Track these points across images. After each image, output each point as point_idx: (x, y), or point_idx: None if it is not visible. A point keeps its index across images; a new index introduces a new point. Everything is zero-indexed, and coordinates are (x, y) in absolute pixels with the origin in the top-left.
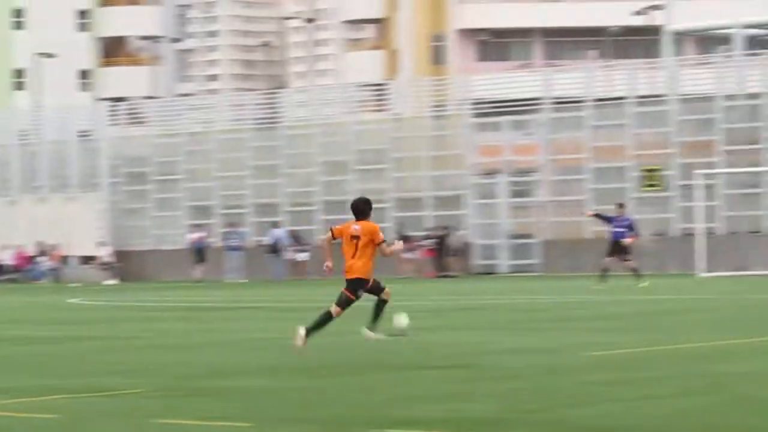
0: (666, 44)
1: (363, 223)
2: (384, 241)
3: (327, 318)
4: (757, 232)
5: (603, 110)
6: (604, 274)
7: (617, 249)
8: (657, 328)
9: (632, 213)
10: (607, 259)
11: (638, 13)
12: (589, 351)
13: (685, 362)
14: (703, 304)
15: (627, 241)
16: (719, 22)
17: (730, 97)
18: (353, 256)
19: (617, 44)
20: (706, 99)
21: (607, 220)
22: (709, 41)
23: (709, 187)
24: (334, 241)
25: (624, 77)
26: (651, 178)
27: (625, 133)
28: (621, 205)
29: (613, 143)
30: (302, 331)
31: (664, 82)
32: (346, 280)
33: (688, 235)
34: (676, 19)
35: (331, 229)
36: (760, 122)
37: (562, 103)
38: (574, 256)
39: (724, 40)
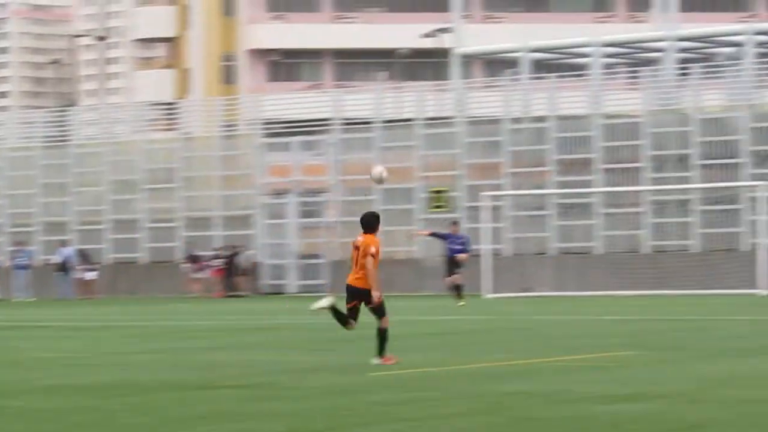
0: (454, 67)
1: (366, 236)
2: (372, 255)
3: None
4: (542, 253)
5: (392, 132)
6: (456, 291)
7: (453, 265)
8: (443, 348)
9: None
10: (448, 278)
11: (427, 35)
12: (378, 371)
13: (469, 382)
14: (489, 325)
15: (462, 257)
16: (506, 46)
17: (516, 120)
18: (355, 265)
19: (406, 66)
20: (493, 122)
21: (443, 237)
22: (496, 64)
23: (495, 208)
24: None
25: (413, 99)
26: (438, 199)
27: (413, 154)
28: (455, 223)
29: (402, 164)
30: (327, 302)
31: (452, 105)
32: (347, 285)
33: (475, 256)
34: (464, 42)
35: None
36: (546, 145)
37: (351, 124)
38: None
39: (511, 64)
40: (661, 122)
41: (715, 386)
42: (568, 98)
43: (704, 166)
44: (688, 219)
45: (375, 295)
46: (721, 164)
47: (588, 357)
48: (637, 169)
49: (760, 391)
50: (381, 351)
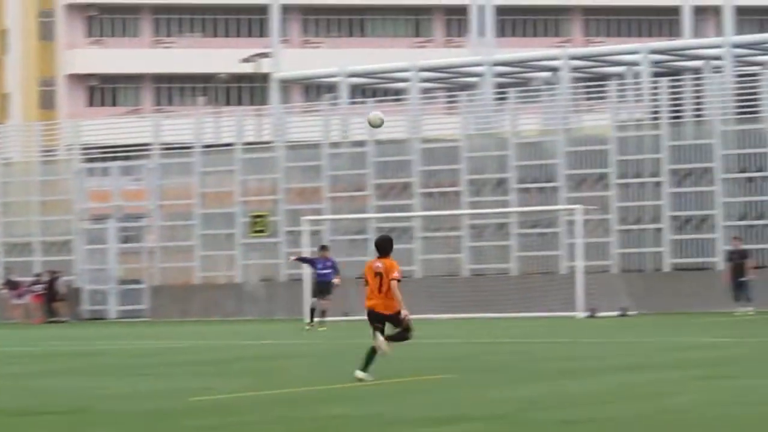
0: (273, 92)
1: (385, 260)
2: (398, 279)
3: (402, 337)
4: (361, 277)
5: (211, 156)
6: (321, 317)
7: (323, 290)
8: (263, 373)
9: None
10: (314, 300)
11: (246, 60)
12: (194, 396)
13: (289, 406)
14: (310, 349)
15: (335, 281)
16: (325, 71)
17: (335, 145)
18: (379, 291)
19: (226, 91)
20: (313, 146)
21: (311, 262)
22: (315, 89)
23: (315, 233)
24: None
25: (232, 124)
26: (258, 224)
27: (233, 179)
28: (324, 248)
29: (222, 189)
30: (381, 338)
31: (271, 129)
32: (378, 312)
33: (296, 281)
34: (282, 67)
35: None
36: (365, 169)
37: (171, 148)
38: (183, 302)
39: (329, 88)
40: (479, 146)
41: (534, 408)
42: (386, 123)
43: (522, 189)
44: (507, 242)
45: (404, 313)
46: (539, 188)
47: (408, 380)
48: (455, 192)
49: (578, 411)
50: (366, 365)
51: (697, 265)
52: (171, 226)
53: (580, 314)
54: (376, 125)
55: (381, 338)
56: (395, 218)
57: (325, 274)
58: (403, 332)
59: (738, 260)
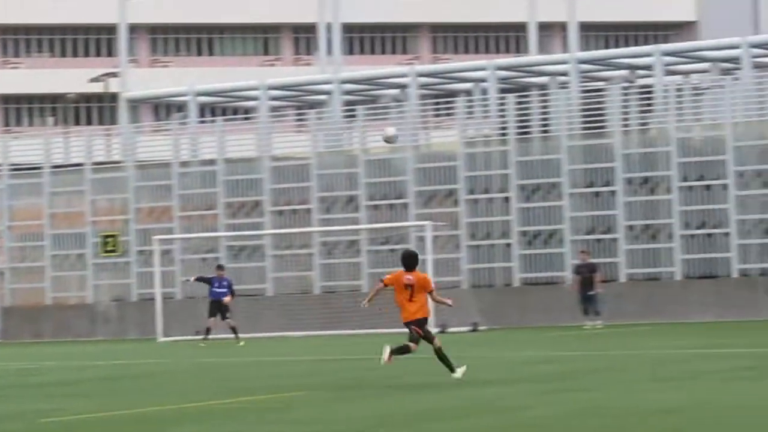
0: (122, 111)
1: (415, 274)
2: (433, 290)
3: (405, 350)
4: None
5: (61, 177)
6: (206, 335)
7: (218, 309)
8: (114, 393)
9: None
10: (211, 320)
11: (94, 80)
12: (45, 417)
13: (138, 427)
14: (161, 368)
15: (226, 299)
16: (173, 90)
17: (185, 164)
18: (409, 301)
19: (75, 111)
20: (162, 165)
21: (209, 281)
22: (164, 108)
23: (166, 252)
24: (384, 288)
25: (81, 144)
26: (109, 243)
27: (83, 199)
28: (220, 267)
29: (72, 209)
30: (387, 349)
31: (120, 149)
32: (407, 322)
33: (147, 300)
34: (131, 86)
35: (382, 280)
36: (215, 188)
37: (20, 169)
38: (35, 323)
39: (179, 108)
40: (328, 164)
41: (386, 424)
42: (236, 141)
43: (372, 206)
44: (358, 259)
45: (449, 301)
46: (389, 204)
47: (261, 398)
48: (306, 210)
49: (431, 426)
50: (450, 366)
51: (546, 279)
52: (21, 247)
53: (432, 330)
54: (391, 141)
55: (388, 350)
56: (246, 237)
57: (220, 293)
58: (405, 346)
59: (586, 274)
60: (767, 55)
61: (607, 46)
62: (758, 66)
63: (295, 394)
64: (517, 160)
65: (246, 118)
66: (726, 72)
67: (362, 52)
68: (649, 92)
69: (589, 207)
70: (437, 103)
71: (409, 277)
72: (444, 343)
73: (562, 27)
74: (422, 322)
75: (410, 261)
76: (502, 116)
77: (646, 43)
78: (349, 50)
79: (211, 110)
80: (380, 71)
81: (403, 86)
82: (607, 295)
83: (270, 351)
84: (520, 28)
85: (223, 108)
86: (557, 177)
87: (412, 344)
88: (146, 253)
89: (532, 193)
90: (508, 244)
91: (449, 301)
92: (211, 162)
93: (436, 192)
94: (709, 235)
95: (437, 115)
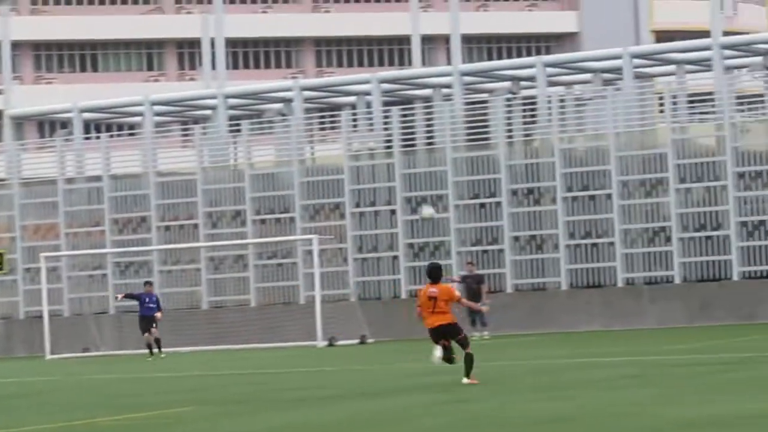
0: (6, 129)
1: (440, 286)
2: (460, 298)
3: (449, 361)
4: (103, 312)
5: None
6: (150, 350)
7: (150, 324)
8: (4, 411)
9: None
10: (146, 335)
11: None
12: None
13: None
14: (50, 386)
15: (158, 315)
16: (57, 107)
17: (70, 181)
18: (432, 312)
19: None
20: (48, 182)
21: (138, 298)
22: (49, 125)
23: (53, 269)
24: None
25: None
26: None
27: None
28: (148, 283)
29: None
30: (439, 351)
31: (5, 167)
32: (432, 329)
33: (35, 318)
34: (15, 103)
35: (419, 306)
36: (101, 204)
37: None
38: None
39: (63, 125)
40: (214, 179)
41: None
42: (121, 157)
43: (259, 221)
44: (245, 274)
45: (485, 308)
46: (275, 219)
47: (150, 414)
48: (193, 225)
49: None
50: (469, 372)
51: None
52: None
53: (321, 343)
54: (428, 217)
55: (438, 353)
56: (133, 253)
57: (150, 309)
58: (468, 356)
59: (473, 285)
60: (648, 65)
61: (490, 58)
62: (639, 76)
63: (184, 410)
64: (403, 173)
65: (131, 134)
66: (608, 82)
67: (246, 66)
68: (533, 103)
69: (475, 218)
70: (322, 117)
71: (433, 290)
72: (333, 356)
73: (446, 39)
74: (444, 330)
75: (436, 273)
76: (387, 129)
77: (528, 54)
78: (234, 65)
79: (95, 126)
80: (264, 85)
81: (287, 100)
82: (494, 306)
83: (159, 367)
84: (404, 41)
85: (107, 124)
86: (443, 189)
87: (450, 358)
88: (33, 271)
89: (418, 205)
90: (395, 257)
91: (484, 308)
92: (97, 178)
93: (323, 205)
94: (594, 244)
95: (322, 129)
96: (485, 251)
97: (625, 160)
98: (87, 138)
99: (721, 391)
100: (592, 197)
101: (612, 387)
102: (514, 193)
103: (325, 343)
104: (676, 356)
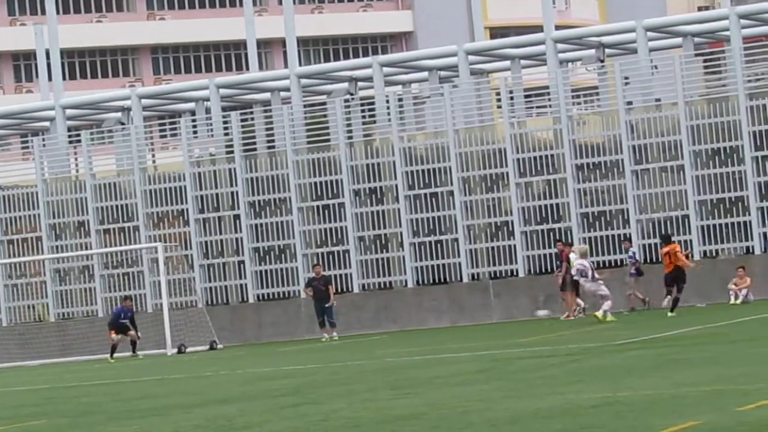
0: None
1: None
2: None
3: None
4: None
5: None
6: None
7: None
8: None
9: None
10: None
11: None
12: None
13: None
14: None
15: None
16: None
17: None
18: None
19: None
20: None
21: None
22: None
23: None
24: None
25: None
26: None
27: None
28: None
29: None
30: None
31: None
32: None
33: None
34: None
35: None
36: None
37: None
38: None
39: None
40: (56, 190)
41: None
42: None
43: (103, 231)
44: (92, 284)
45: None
46: (119, 228)
47: (1, 429)
48: (36, 238)
49: None
50: None
51: (281, 294)
52: None
53: (170, 351)
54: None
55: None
56: None
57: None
58: None
59: (321, 287)
60: (484, 61)
61: (327, 60)
62: (475, 72)
63: (33, 423)
64: (245, 177)
65: None
66: (444, 80)
67: (84, 76)
68: (371, 103)
69: (319, 220)
70: (162, 124)
71: None
72: (182, 363)
73: (282, 43)
74: None
75: None
76: (227, 134)
77: (365, 55)
78: (71, 75)
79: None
80: (102, 95)
81: (126, 109)
82: (341, 307)
83: (7, 381)
84: (241, 45)
85: None
86: (285, 192)
87: None
88: None
89: (260, 209)
90: (241, 262)
91: None
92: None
93: (166, 213)
94: (439, 241)
95: (162, 136)
96: (330, 252)
97: (464, 156)
98: None
99: (568, 381)
100: (434, 194)
101: (461, 383)
102: (357, 193)
103: (175, 350)
104: (521, 349)
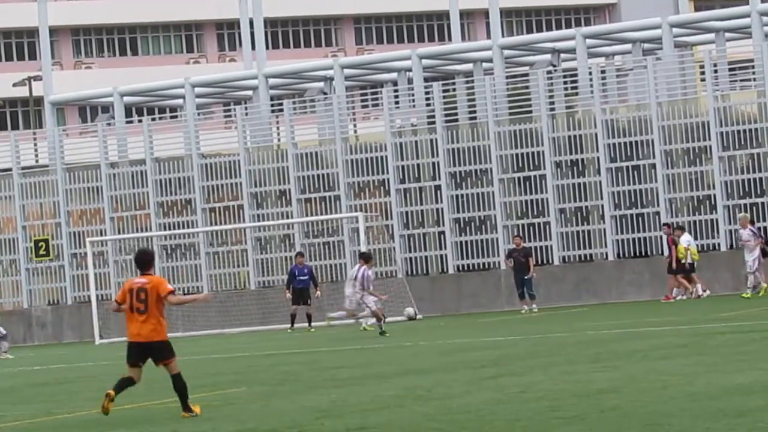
0: (48, 115)
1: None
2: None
3: None
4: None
5: None
6: (308, 321)
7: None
8: (53, 397)
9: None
10: (294, 307)
11: (18, 84)
12: None
13: (81, 429)
14: (101, 371)
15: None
16: (98, 91)
17: (113, 165)
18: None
19: (1, 116)
20: (91, 167)
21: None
22: (90, 110)
23: (99, 254)
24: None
25: (7, 149)
26: (41, 248)
27: (12, 204)
28: (300, 254)
29: (2, 215)
30: None
31: (48, 152)
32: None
33: (83, 303)
34: (55, 89)
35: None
36: (145, 188)
37: None
38: None
39: (104, 109)
40: (258, 159)
41: (326, 417)
42: (164, 140)
43: (303, 200)
44: (292, 254)
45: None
46: (320, 197)
47: (199, 396)
48: (238, 206)
49: (370, 417)
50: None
51: (481, 265)
52: None
53: (370, 321)
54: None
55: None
56: (179, 235)
57: (303, 281)
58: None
59: (521, 258)
60: (687, 34)
61: (529, 31)
62: (679, 45)
63: (231, 391)
64: (446, 148)
65: (173, 117)
66: (647, 52)
67: (286, 46)
68: (573, 75)
69: (520, 192)
70: (363, 94)
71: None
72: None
73: (484, 14)
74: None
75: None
76: (429, 105)
77: (568, 26)
78: (273, 45)
79: (137, 110)
80: (305, 65)
81: (328, 78)
82: (541, 279)
83: (206, 349)
84: (443, 16)
85: (148, 107)
86: (486, 163)
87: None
88: (79, 256)
89: (461, 179)
90: (441, 232)
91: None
92: (140, 162)
93: (367, 183)
94: (640, 214)
95: (364, 106)
96: (531, 224)
97: (667, 129)
98: (129, 122)
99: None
100: (636, 167)
101: (661, 357)
102: (558, 165)
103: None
104: (723, 324)
